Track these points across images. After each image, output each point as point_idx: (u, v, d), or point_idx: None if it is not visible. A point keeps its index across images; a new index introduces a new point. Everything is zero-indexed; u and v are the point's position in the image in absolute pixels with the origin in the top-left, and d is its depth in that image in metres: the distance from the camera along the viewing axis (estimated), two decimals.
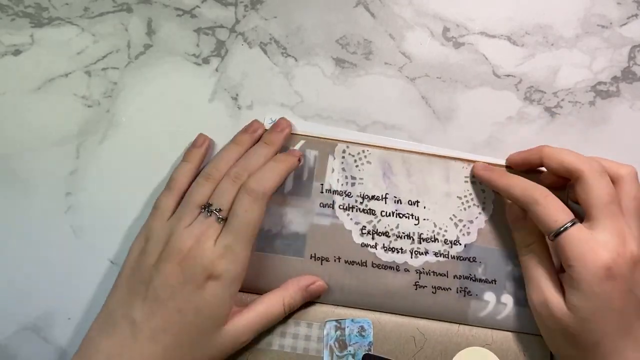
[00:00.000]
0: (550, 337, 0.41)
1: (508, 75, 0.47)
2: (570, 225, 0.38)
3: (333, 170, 0.46)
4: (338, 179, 0.45)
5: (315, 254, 0.45)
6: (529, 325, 0.44)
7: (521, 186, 0.41)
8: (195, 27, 0.47)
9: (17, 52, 0.47)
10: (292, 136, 0.46)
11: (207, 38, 0.47)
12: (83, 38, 0.47)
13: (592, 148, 0.47)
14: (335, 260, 0.45)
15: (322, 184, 0.45)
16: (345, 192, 0.45)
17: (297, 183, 0.45)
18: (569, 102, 0.47)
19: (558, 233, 0.38)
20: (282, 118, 0.46)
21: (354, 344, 0.44)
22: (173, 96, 0.47)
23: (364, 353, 0.44)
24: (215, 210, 0.40)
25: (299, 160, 0.44)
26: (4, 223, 0.46)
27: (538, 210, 0.39)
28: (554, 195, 0.40)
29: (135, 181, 0.46)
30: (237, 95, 0.47)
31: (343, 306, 0.45)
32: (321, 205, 0.45)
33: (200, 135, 0.45)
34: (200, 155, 0.45)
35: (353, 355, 0.44)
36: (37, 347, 0.46)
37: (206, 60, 0.47)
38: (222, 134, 0.47)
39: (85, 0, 0.47)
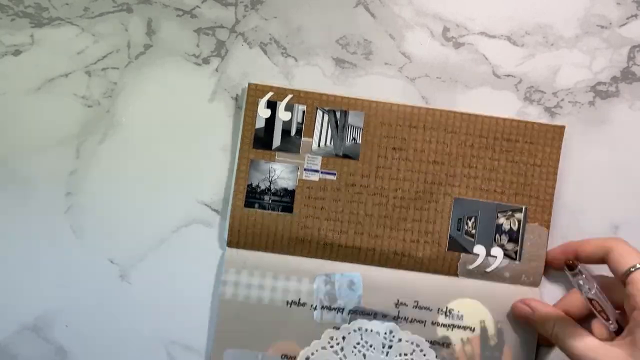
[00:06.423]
0: None
1: (508, 76, 0.47)
2: None
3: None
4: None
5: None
6: (518, 276, 0.45)
7: (593, 243, 0.42)
8: (195, 27, 0.47)
9: (17, 52, 0.47)
10: (279, 91, 0.45)
11: (207, 38, 0.47)
12: (83, 38, 0.47)
13: (592, 148, 0.47)
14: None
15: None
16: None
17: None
18: (569, 102, 0.47)
19: (629, 273, 0.39)
20: None
21: (343, 297, 0.45)
22: (173, 96, 0.47)
23: (353, 306, 0.44)
24: None
25: None
26: (4, 223, 0.46)
27: (611, 256, 0.40)
28: (625, 243, 0.41)
29: (135, 181, 0.46)
30: (237, 95, 0.47)
31: (333, 260, 0.45)
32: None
33: None
34: None
35: (342, 309, 0.45)
36: (37, 347, 0.46)
37: (206, 60, 0.47)
38: (222, 134, 0.47)
39: (85, 0, 0.47)
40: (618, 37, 0.47)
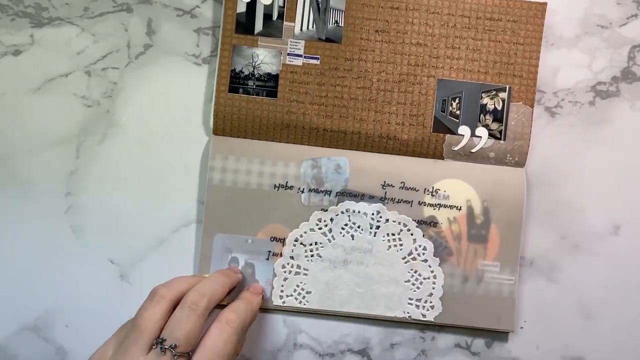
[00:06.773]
0: None
1: None
2: None
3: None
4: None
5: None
6: (503, 157, 0.45)
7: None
8: (195, 27, 0.47)
9: (17, 52, 0.47)
10: None
11: (207, 38, 0.47)
12: (83, 38, 0.47)
13: (592, 148, 0.47)
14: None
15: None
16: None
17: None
18: (569, 102, 0.47)
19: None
20: (257, 285, 0.45)
21: (330, 180, 0.45)
22: (173, 96, 0.47)
23: (340, 189, 0.45)
24: (170, 347, 0.36)
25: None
26: (4, 223, 0.46)
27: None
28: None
29: (135, 181, 0.46)
30: None
31: (319, 146, 0.46)
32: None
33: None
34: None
35: (330, 191, 0.45)
36: (37, 347, 0.46)
37: (206, 60, 0.47)
38: None
39: (85, 0, 0.47)
40: (618, 37, 0.47)
